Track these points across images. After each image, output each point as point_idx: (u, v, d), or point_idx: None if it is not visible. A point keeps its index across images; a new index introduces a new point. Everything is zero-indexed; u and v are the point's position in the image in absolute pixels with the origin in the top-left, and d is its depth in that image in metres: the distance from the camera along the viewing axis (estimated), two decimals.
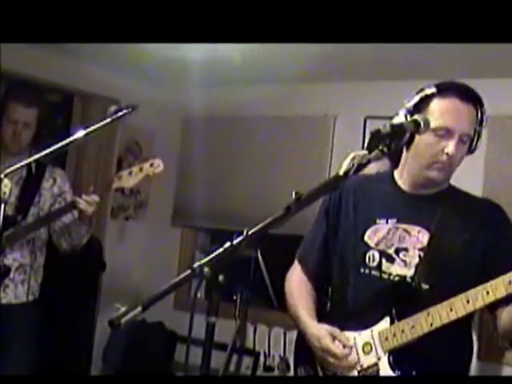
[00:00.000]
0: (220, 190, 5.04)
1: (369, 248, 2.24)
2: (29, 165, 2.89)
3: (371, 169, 3.02)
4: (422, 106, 2.14)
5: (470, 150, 2.19)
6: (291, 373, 4.54)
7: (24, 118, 3.35)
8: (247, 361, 4.74)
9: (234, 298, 4.56)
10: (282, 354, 4.68)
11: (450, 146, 2.11)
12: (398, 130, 1.88)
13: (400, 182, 2.28)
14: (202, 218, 5.20)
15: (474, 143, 2.17)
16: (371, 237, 2.24)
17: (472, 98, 2.15)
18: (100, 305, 4.72)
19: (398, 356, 2.12)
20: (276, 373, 4.69)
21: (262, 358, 4.73)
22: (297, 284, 2.43)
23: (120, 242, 5.16)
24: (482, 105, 2.16)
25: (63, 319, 4.30)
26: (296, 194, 1.67)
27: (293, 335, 4.46)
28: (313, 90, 4.73)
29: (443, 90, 2.15)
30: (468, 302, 1.98)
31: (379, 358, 2.15)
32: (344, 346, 2.18)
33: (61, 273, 3.91)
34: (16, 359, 3.27)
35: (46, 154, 2.66)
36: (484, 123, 2.15)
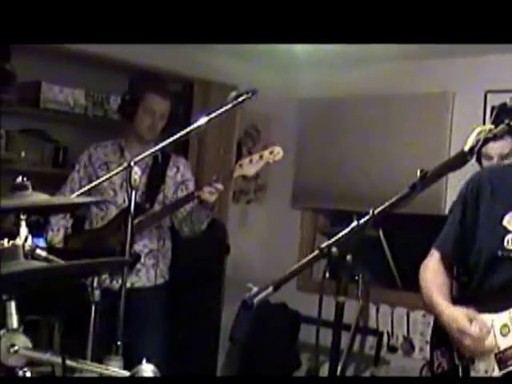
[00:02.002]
0: (339, 170, 5.03)
1: (508, 232, 2.21)
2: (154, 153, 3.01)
3: (494, 149, 2.95)
4: None
5: None
6: (415, 353, 4.55)
7: (162, 109, 3.45)
8: (371, 341, 4.74)
9: (356, 278, 4.55)
10: (405, 334, 4.65)
11: None
12: None
13: None
14: (321, 200, 5.21)
15: None
16: (510, 221, 2.22)
17: None
18: (225, 287, 4.85)
19: None
20: (400, 353, 4.67)
21: (385, 338, 4.72)
22: (432, 271, 2.40)
23: (242, 226, 5.26)
24: None
25: (191, 301, 4.44)
26: (421, 171, 1.66)
27: (416, 315, 4.49)
28: (432, 67, 4.64)
29: None
30: None
31: None
32: (481, 329, 2.15)
33: (188, 256, 4.03)
34: (150, 338, 3.42)
35: (172, 142, 2.76)
36: None
